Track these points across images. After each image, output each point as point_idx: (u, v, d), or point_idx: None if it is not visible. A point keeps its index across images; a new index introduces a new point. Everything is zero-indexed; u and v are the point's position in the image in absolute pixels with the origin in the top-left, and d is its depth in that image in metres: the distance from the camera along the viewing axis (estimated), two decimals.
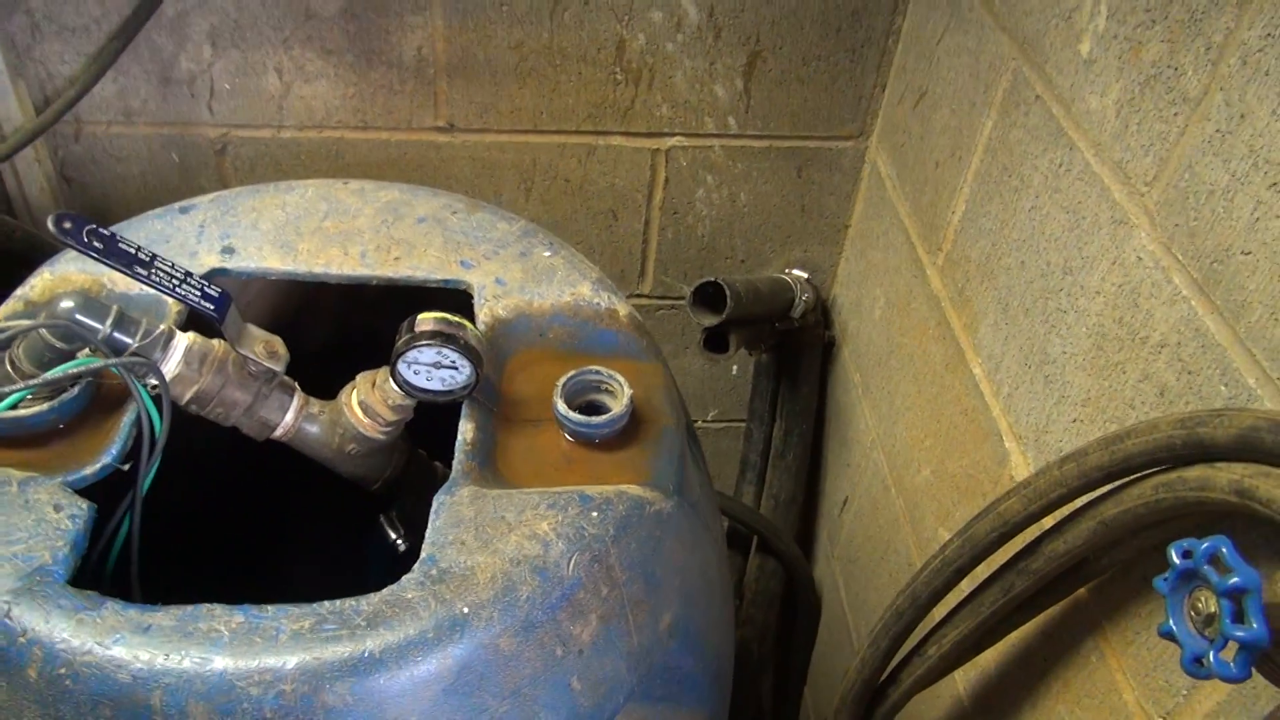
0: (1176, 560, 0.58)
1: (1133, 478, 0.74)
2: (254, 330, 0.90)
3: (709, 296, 1.43)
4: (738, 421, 1.87)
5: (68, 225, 0.78)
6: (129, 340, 0.84)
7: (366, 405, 0.92)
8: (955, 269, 1.23)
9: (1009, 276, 1.09)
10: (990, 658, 1.11)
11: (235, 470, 1.11)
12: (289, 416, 0.92)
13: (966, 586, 0.97)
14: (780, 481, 1.70)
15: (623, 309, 1.03)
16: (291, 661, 0.69)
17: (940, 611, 1.00)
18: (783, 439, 1.70)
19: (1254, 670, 0.57)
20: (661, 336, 1.70)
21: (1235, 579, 0.53)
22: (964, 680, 1.18)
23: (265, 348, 0.90)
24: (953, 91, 1.24)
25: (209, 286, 0.85)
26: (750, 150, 1.52)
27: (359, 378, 0.94)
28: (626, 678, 0.84)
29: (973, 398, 1.18)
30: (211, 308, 0.84)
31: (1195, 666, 0.56)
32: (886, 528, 1.46)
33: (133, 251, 0.81)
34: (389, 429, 0.94)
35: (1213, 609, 0.55)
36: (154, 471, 0.86)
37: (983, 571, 0.94)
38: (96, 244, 0.79)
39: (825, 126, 1.50)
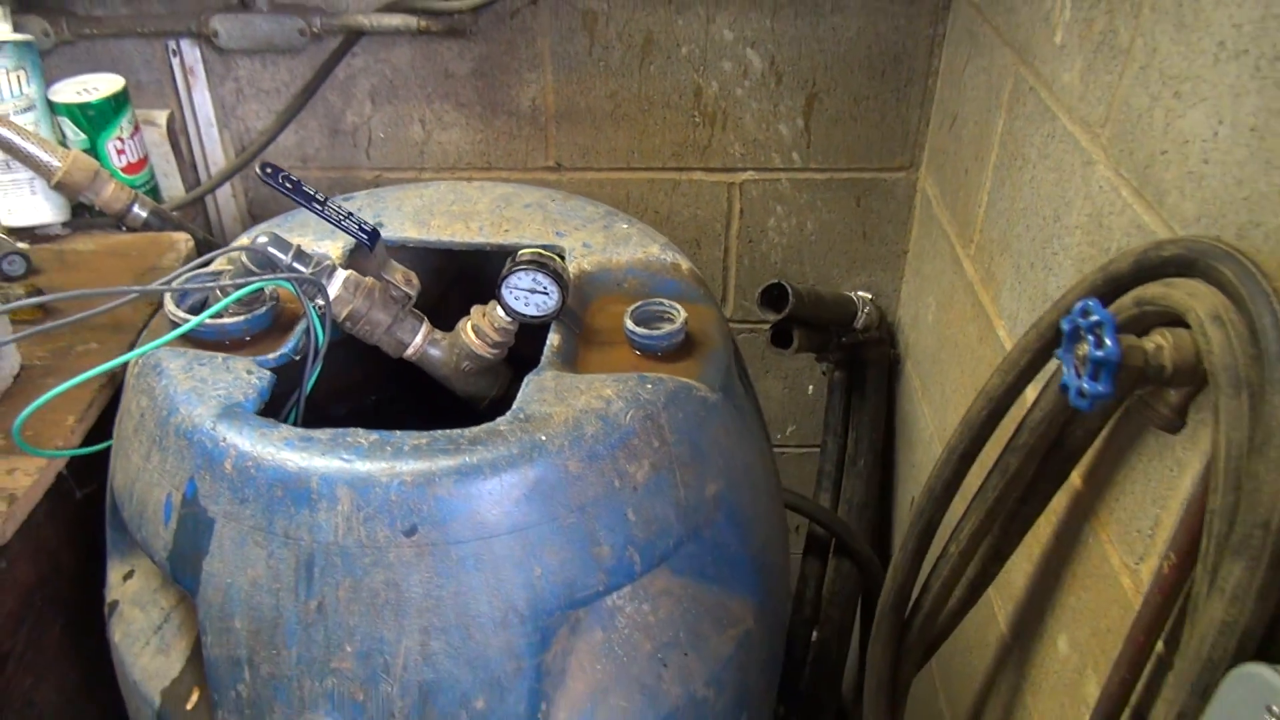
0: (1065, 328, 0.75)
1: None
2: (395, 264, 1.17)
3: (775, 298, 1.64)
4: (815, 447, 2.03)
5: (269, 170, 1.08)
6: (304, 269, 1.12)
7: (478, 328, 1.17)
8: (983, 253, 1.41)
9: (1019, 242, 1.27)
10: (1018, 580, 1.23)
11: (372, 400, 1.37)
12: (418, 338, 1.18)
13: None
14: (853, 487, 1.85)
15: (684, 264, 1.25)
16: (412, 463, 0.91)
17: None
18: (854, 447, 1.86)
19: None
20: (745, 357, 1.91)
21: (1094, 316, 0.70)
22: (1003, 611, 1.30)
23: (404, 277, 1.16)
24: (975, 107, 1.45)
25: (365, 224, 1.13)
26: (813, 182, 1.75)
27: (472, 309, 1.19)
28: (675, 525, 1.02)
29: (1000, 357, 1.34)
30: (366, 237, 1.12)
31: (1079, 399, 0.72)
32: None
33: (312, 192, 1.10)
34: (496, 349, 1.18)
35: (1085, 350, 0.71)
36: (317, 373, 1.12)
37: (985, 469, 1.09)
38: (288, 184, 1.09)
39: (878, 159, 1.73)
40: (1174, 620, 0.86)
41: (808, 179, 1.75)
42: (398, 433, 0.95)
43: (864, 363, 1.85)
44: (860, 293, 1.84)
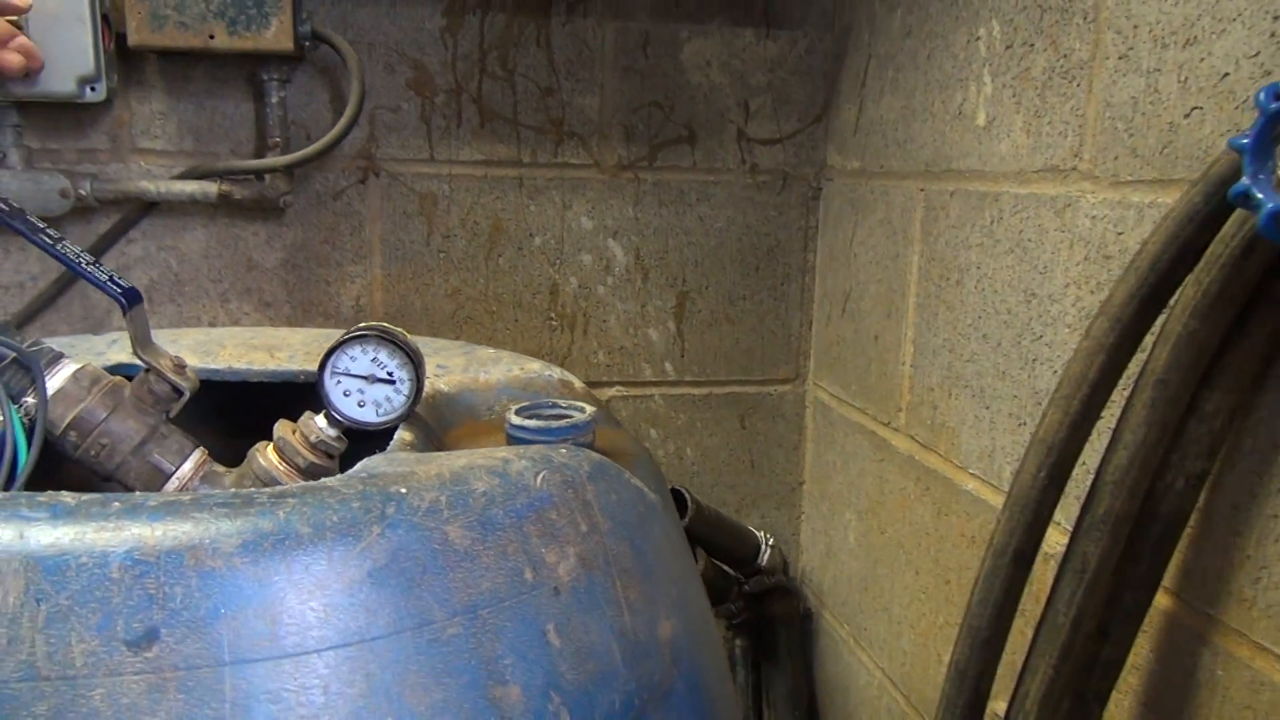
0: (1269, 104, 0.48)
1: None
2: (160, 346, 0.79)
3: None
4: None
5: None
6: (7, 353, 0.73)
7: (284, 445, 0.78)
8: (918, 412, 1.18)
9: (975, 363, 1.05)
10: None
11: None
12: (187, 466, 0.77)
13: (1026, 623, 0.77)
14: None
15: (578, 383, 0.94)
16: (159, 523, 0.50)
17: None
18: None
19: None
20: None
21: None
22: None
23: (173, 363, 0.78)
24: (875, 265, 1.30)
25: (119, 277, 0.76)
26: (691, 399, 1.51)
27: (276, 425, 0.80)
28: (622, 673, 0.61)
29: (977, 514, 1.05)
30: (119, 291, 0.75)
31: (1275, 225, 0.45)
32: None
33: (40, 225, 0.74)
34: (310, 479, 0.78)
35: None
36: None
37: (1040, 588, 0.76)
38: (3, 206, 0.73)
39: (761, 369, 1.52)
40: None
41: (684, 395, 1.51)
42: (138, 494, 0.54)
43: (771, 621, 1.49)
44: (759, 531, 1.53)
